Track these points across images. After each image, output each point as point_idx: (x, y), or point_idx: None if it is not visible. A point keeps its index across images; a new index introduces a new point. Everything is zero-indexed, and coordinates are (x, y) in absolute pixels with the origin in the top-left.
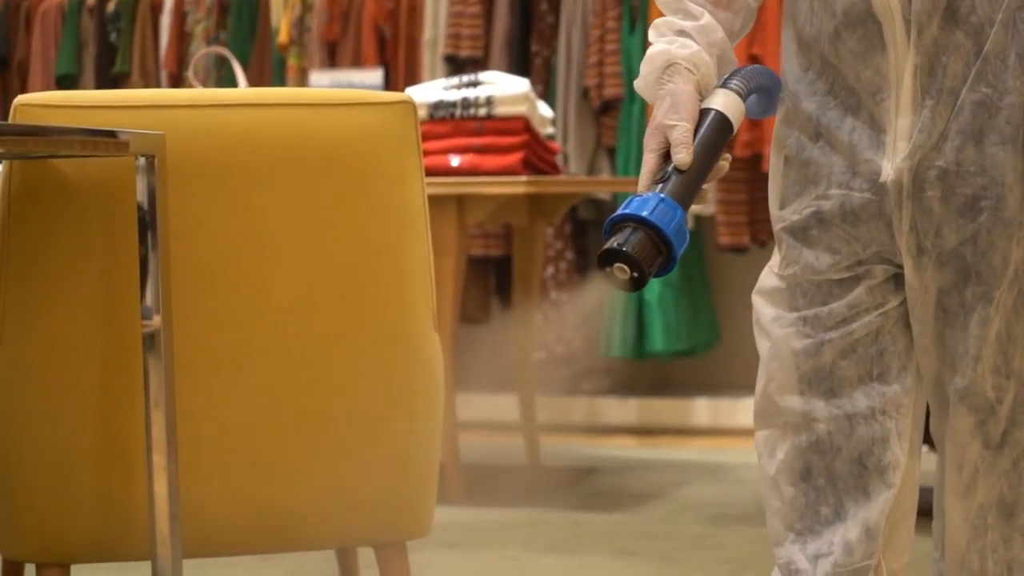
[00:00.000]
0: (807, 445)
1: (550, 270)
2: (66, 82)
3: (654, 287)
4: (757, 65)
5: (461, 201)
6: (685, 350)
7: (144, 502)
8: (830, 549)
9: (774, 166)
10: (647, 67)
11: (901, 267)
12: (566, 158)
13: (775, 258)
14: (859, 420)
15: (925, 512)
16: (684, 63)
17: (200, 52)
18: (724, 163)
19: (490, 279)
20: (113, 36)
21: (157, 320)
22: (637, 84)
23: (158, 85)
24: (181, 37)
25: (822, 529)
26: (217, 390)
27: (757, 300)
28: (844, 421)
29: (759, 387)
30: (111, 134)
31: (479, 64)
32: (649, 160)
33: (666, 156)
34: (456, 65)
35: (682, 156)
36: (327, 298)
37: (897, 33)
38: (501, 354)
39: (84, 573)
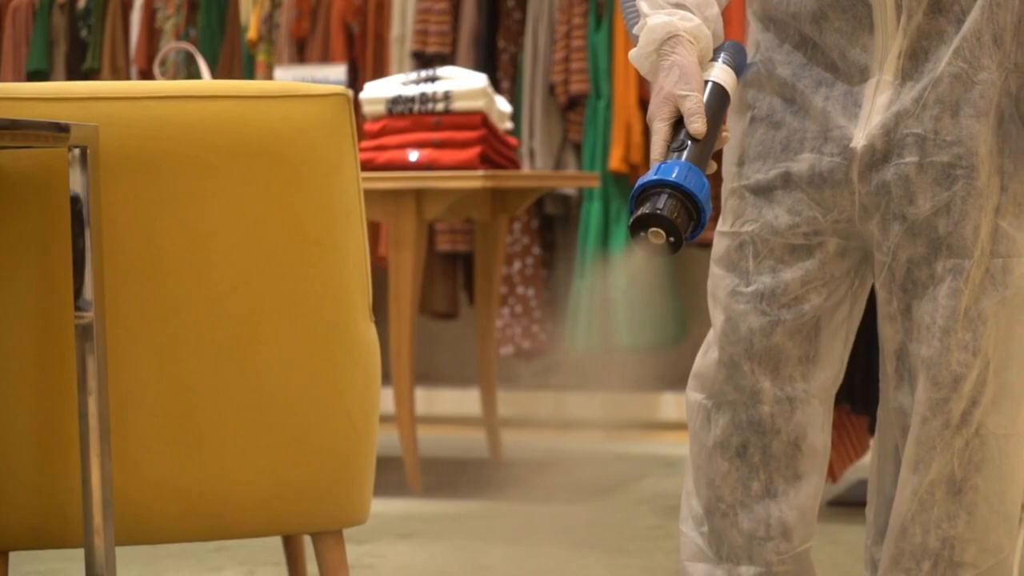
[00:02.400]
0: (747, 423)
1: (517, 265)
2: (37, 78)
3: (621, 281)
4: (735, 41)
5: (420, 195)
6: (652, 345)
7: (79, 490)
8: (768, 533)
9: (734, 127)
10: (647, 37)
11: (852, 240)
12: (532, 154)
13: (724, 220)
14: (798, 403)
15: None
16: (687, 35)
17: (165, 48)
18: (726, 134)
19: (457, 274)
20: (84, 33)
21: (91, 312)
22: (633, 54)
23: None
24: (151, 33)
25: (752, 504)
26: (152, 379)
27: (715, 269)
28: (786, 403)
29: (706, 355)
30: (45, 126)
31: (446, 60)
32: (662, 129)
33: (676, 125)
34: (423, 61)
35: (698, 125)
36: (261, 288)
37: (888, 16)
38: (467, 348)
39: (22, 561)
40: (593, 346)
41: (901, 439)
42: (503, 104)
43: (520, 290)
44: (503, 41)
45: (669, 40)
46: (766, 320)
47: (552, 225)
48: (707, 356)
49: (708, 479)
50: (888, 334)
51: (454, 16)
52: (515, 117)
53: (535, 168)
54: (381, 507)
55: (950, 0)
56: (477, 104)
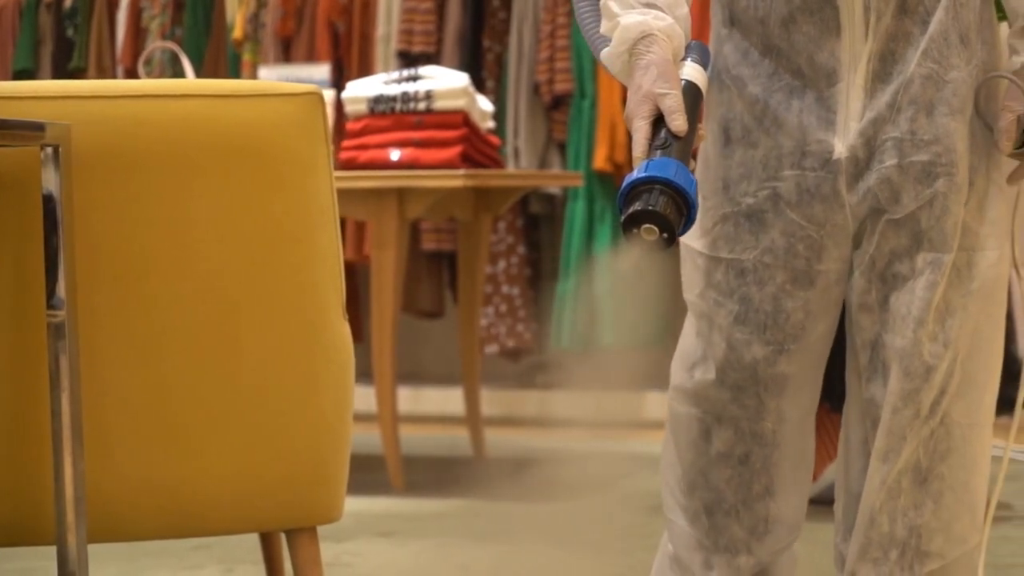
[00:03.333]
0: (751, 436)
1: (502, 264)
2: (23, 77)
3: (604, 280)
4: (699, 41)
5: (401, 194)
6: (637, 344)
7: (52, 488)
8: (767, 528)
9: (712, 151)
10: (620, 36)
11: (847, 263)
12: (517, 153)
13: (718, 245)
14: (800, 421)
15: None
16: (661, 34)
17: (149, 47)
18: (702, 132)
19: (443, 273)
20: (70, 32)
21: (64, 310)
22: (605, 54)
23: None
24: (137, 33)
25: (753, 503)
26: (128, 378)
27: (711, 294)
28: (789, 423)
29: (694, 372)
30: (20, 124)
31: (432, 60)
32: (643, 127)
33: (655, 124)
34: (409, 61)
35: (680, 123)
36: (236, 287)
37: (856, 19)
38: (453, 347)
39: None
40: (578, 345)
41: (872, 431)
42: (485, 103)
43: (505, 289)
44: (488, 40)
45: (644, 39)
46: (770, 349)
47: (537, 224)
48: (698, 375)
49: (710, 484)
50: (864, 324)
51: (439, 15)
52: (500, 116)
53: (520, 167)
54: (362, 505)
55: (915, 1)
56: (458, 103)
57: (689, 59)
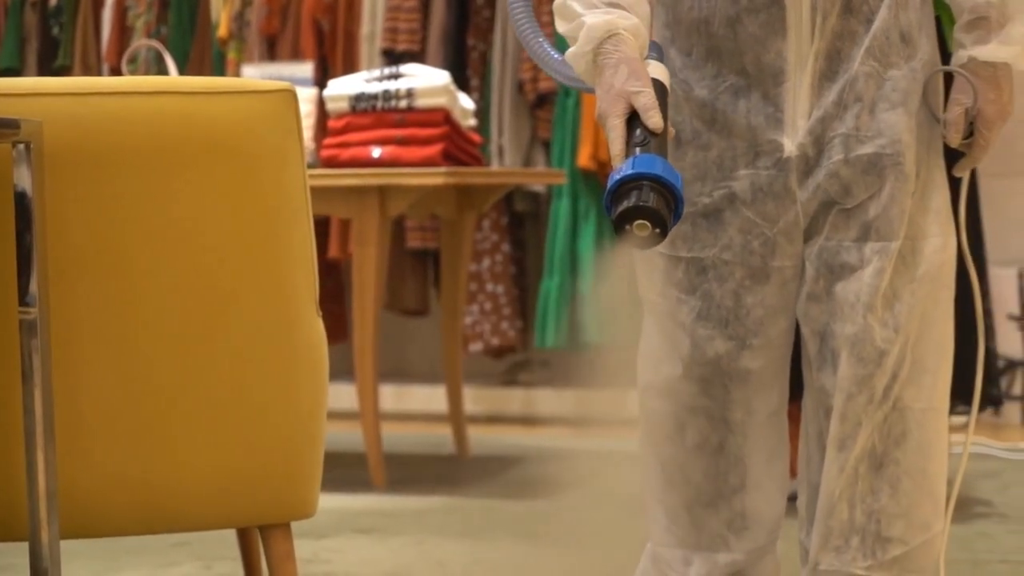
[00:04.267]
0: (724, 425)
1: (486, 262)
2: (8, 75)
3: (587, 277)
4: (655, 40)
5: (383, 192)
6: (620, 342)
7: (25, 484)
8: (744, 523)
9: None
10: (587, 36)
11: (801, 252)
12: (501, 151)
13: (676, 245)
14: (770, 413)
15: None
16: (627, 33)
17: (133, 45)
18: (672, 128)
19: (428, 271)
20: (55, 30)
21: (36, 307)
22: (572, 52)
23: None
24: (122, 31)
25: (730, 496)
26: (99, 374)
27: (673, 292)
28: (759, 414)
29: (660, 369)
30: None
31: (416, 58)
32: (618, 125)
33: (629, 121)
34: (393, 59)
35: (656, 120)
36: (209, 283)
37: (803, 19)
38: (439, 345)
39: None
40: (562, 343)
41: (824, 421)
42: (466, 101)
43: (489, 287)
44: (472, 39)
45: (611, 38)
46: (733, 345)
47: (522, 222)
48: (666, 371)
49: (686, 477)
50: (813, 314)
51: (424, 14)
52: (484, 114)
53: (504, 165)
54: (343, 502)
55: (860, 1)
56: (439, 101)
57: (651, 57)
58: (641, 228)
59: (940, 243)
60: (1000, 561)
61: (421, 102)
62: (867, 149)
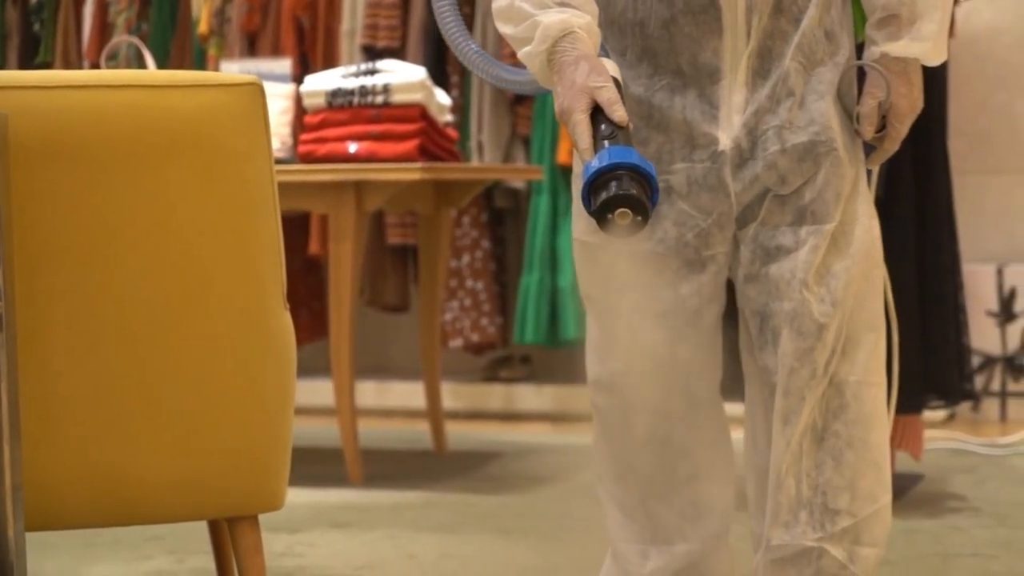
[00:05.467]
0: (667, 417)
1: (466, 258)
2: None
3: (568, 273)
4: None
5: (359, 187)
6: None
7: None
8: (696, 512)
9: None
10: (542, 34)
11: (734, 241)
12: (481, 147)
13: (609, 239)
14: (707, 402)
15: None
16: (582, 31)
17: (112, 42)
18: (630, 124)
19: (408, 268)
20: (36, 27)
21: (1, 301)
22: (527, 51)
23: None
24: (103, 28)
25: (681, 486)
26: (69, 367)
27: (613, 284)
28: (697, 405)
29: (604, 363)
30: None
31: (396, 55)
32: (583, 120)
33: (593, 116)
34: (373, 55)
35: (622, 113)
36: (176, 276)
37: (739, 20)
38: (418, 342)
39: None
40: (542, 339)
41: (769, 400)
42: (443, 97)
43: (469, 283)
44: None
45: (567, 36)
46: (669, 334)
47: (501, 219)
48: (609, 364)
49: (636, 471)
50: (751, 295)
51: (404, 10)
52: (464, 111)
53: (484, 162)
54: (319, 497)
55: (789, 2)
56: (416, 97)
57: (602, 55)
58: (623, 216)
59: (868, 224)
60: (971, 555)
61: (397, 98)
62: (801, 138)
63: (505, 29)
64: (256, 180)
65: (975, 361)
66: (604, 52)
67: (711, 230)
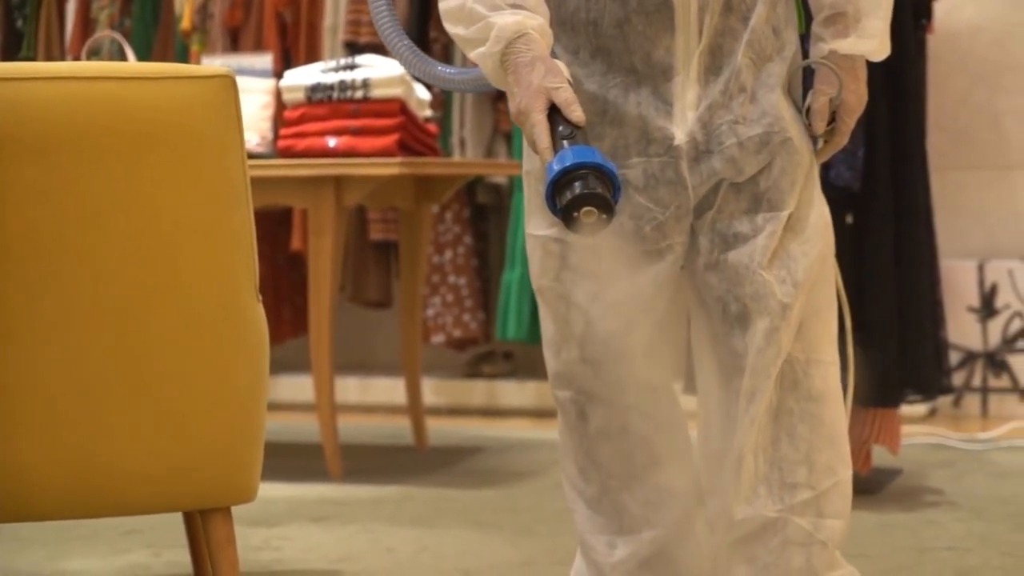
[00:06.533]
0: (622, 409)
1: (448, 254)
2: None
3: None
4: None
5: (339, 182)
6: None
7: None
8: (659, 497)
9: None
10: (496, 35)
11: (689, 228)
12: (463, 143)
13: (565, 232)
14: (661, 391)
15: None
16: (536, 32)
17: (94, 37)
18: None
19: (391, 263)
20: (19, 23)
21: None
22: (480, 52)
23: None
24: (86, 23)
25: (641, 474)
26: (40, 359)
27: (568, 275)
28: (650, 393)
29: (561, 354)
30: None
31: (379, 50)
32: (541, 120)
33: (550, 116)
34: (356, 51)
35: (579, 113)
36: (148, 267)
37: (692, 19)
38: (400, 337)
39: None
40: (524, 335)
41: (735, 382)
42: (422, 92)
43: (451, 279)
44: (435, 31)
45: (521, 38)
46: (623, 323)
47: (484, 214)
48: (564, 356)
49: (597, 462)
50: (712, 282)
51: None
52: (446, 107)
53: (466, 157)
54: (298, 491)
55: (738, 1)
56: (395, 92)
57: (554, 56)
58: (588, 215)
59: (821, 209)
60: (946, 548)
61: (377, 92)
62: (756, 130)
63: (456, 30)
64: (229, 171)
65: (957, 357)
66: (554, 54)
67: (668, 222)
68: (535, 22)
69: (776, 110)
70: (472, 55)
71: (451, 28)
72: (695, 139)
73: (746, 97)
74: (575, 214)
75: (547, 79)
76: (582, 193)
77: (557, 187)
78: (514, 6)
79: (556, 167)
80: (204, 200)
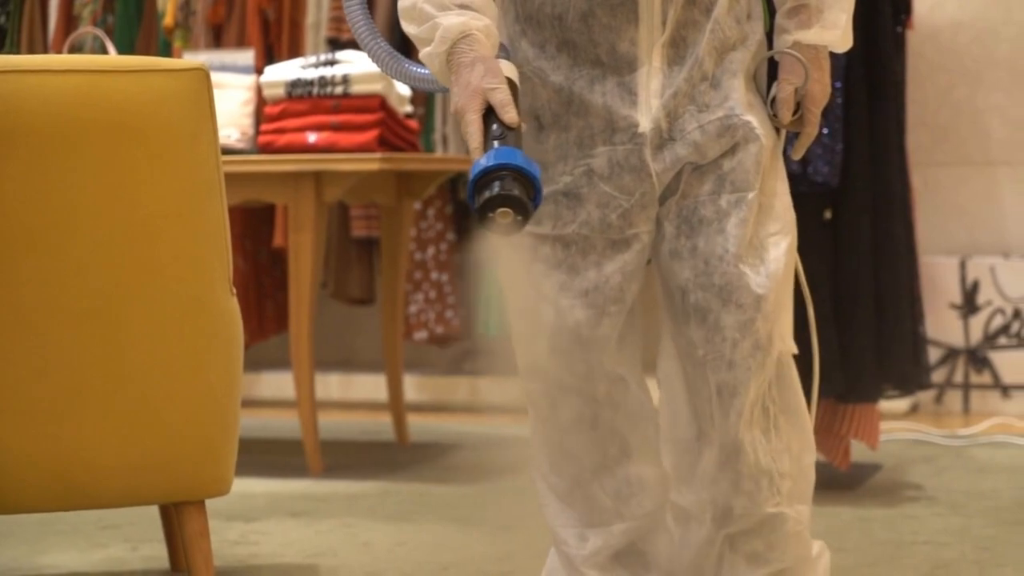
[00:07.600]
0: (592, 399)
1: (431, 251)
2: None
3: None
4: (501, 42)
5: (319, 178)
6: None
7: None
8: (630, 489)
9: (528, 138)
10: (441, 36)
11: (655, 216)
12: (445, 140)
13: (542, 223)
14: (629, 380)
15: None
16: (480, 33)
17: (76, 33)
18: (524, 123)
19: (373, 260)
20: (2, 19)
21: None
22: (427, 52)
23: None
24: (69, 20)
25: (612, 466)
26: (13, 352)
27: (538, 267)
28: (620, 382)
29: (531, 346)
30: None
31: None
32: (475, 120)
33: (485, 116)
34: (339, 48)
35: (512, 115)
36: (121, 261)
37: (655, 11)
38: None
39: None
40: (506, 332)
41: (692, 371)
42: (403, 88)
43: (434, 276)
44: None
45: (465, 38)
46: (593, 312)
47: (466, 211)
48: (534, 347)
49: (567, 454)
50: (675, 270)
51: (369, 3)
52: (429, 103)
53: (448, 154)
54: (277, 487)
55: None
56: (375, 87)
57: (501, 57)
58: (504, 216)
59: (787, 201)
60: (924, 543)
61: (357, 88)
62: (717, 114)
63: (409, 29)
64: (202, 164)
65: (938, 354)
66: (504, 54)
67: (634, 210)
68: (480, 23)
69: (738, 94)
70: (421, 54)
71: (406, 27)
72: (659, 127)
73: (708, 86)
74: (491, 214)
75: (485, 80)
76: (499, 194)
77: (477, 186)
78: (462, 6)
79: (479, 166)
80: (178, 192)
